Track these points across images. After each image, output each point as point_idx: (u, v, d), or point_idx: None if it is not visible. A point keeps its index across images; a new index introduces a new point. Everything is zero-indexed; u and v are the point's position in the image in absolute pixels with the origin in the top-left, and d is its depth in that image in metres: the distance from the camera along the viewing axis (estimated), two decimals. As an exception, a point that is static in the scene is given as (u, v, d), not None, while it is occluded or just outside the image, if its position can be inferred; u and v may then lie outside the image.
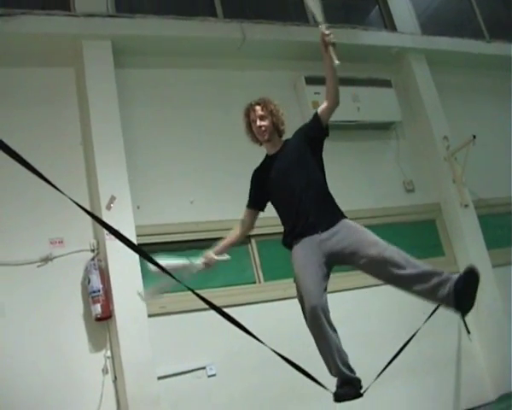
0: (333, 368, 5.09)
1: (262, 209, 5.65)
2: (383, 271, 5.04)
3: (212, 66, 9.25)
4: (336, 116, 9.35)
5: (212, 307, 5.10)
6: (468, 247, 9.71)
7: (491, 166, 10.60)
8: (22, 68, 8.06)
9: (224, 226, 8.16)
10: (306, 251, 5.12)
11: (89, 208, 7.56)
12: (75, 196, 7.13)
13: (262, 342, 5.11)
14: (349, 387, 5.15)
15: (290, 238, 5.28)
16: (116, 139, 7.90)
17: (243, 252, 8.50)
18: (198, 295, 5.00)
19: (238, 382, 7.83)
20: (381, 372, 5.71)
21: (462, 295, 4.85)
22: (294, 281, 5.20)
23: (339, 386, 5.13)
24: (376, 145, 10.09)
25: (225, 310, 7.43)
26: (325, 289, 5.04)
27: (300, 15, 10.23)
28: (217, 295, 7.82)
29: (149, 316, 7.38)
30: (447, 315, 9.14)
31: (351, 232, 5.14)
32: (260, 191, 5.53)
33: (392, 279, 5.10)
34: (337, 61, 4.98)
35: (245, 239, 8.41)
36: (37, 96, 8.04)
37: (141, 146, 8.31)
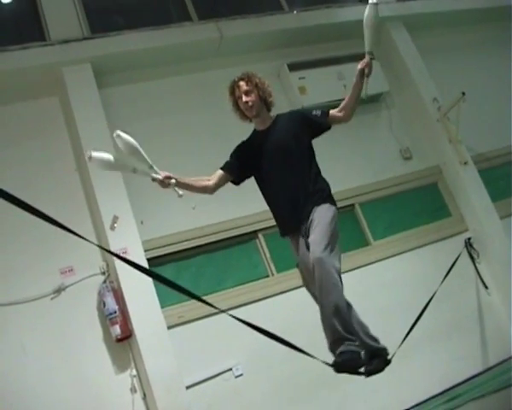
0: (360, 345, 5.06)
1: (236, 181, 5.55)
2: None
3: (194, 70, 9.23)
4: (323, 98, 9.44)
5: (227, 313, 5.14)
6: (474, 203, 9.70)
7: (484, 120, 10.55)
8: (5, 106, 8.04)
9: (228, 226, 8.27)
10: (296, 242, 5.28)
11: (93, 232, 7.66)
12: (77, 223, 7.20)
13: (277, 338, 5.08)
14: (378, 359, 5.18)
15: (282, 231, 5.42)
16: (110, 160, 7.88)
17: (252, 248, 8.51)
18: (206, 302, 5.04)
19: (266, 377, 7.85)
20: (406, 336, 5.79)
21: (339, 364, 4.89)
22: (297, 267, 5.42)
23: (367, 361, 5.14)
24: (368, 119, 10.03)
25: (242, 309, 7.53)
26: None
27: (273, 4, 10.22)
28: (232, 295, 7.90)
29: (169, 328, 7.42)
30: (462, 276, 9.24)
31: (313, 226, 5.06)
32: (243, 164, 5.45)
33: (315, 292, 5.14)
34: (367, 93, 5.30)
35: (252, 235, 8.46)
36: (25, 131, 8.03)
37: (136, 162, 8.28)
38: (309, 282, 5.23)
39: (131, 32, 8.84)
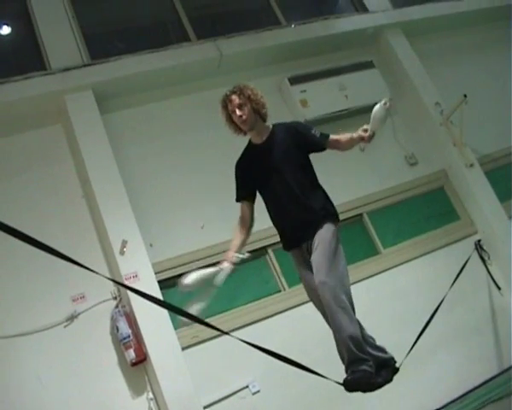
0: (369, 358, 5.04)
1: (254, 200, 5.51)
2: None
3: (196, 89, 9.22)
4: (325, 110, 9.44)
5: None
6: (482, 205, 9.68)
7: (488, 121, 10.55)
8: (9, 137, 8.08)
9: (238, 244, 8.21)
10: (298, 258, 5.29)
11: (102, 258, 7.66)
12: (86, 249, 7.25)
13: (286, 359, 5.20)
14: (386, 369, 5.13)
15: (285, 246, 5.40)
16: (116, 185, 7.91)
17: (262, 264, 8.47)
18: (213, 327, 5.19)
19: (283, 392, 7.78)
20: (414, 343, 5.76)
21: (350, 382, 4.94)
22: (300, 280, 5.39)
23: (376, 372, 5.06)
24: (371, 128, 10.05)
25: (256, 325, 7.50)
26: None
27: (271, 19, 10.24)
28: (244, 312, 7.88)
29: (183, 349, 7.41)
30: (474, 279, 9.21)
31: (314, 246, 5.08)
32: (248, 183, 5.42)
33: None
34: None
35: (262, 251, 8.43)
36: (30, 161, 8.05)
37: (142, 185, 8.31)
38: (313, 297, 5.21)
39: (131, 55, 8.86)
